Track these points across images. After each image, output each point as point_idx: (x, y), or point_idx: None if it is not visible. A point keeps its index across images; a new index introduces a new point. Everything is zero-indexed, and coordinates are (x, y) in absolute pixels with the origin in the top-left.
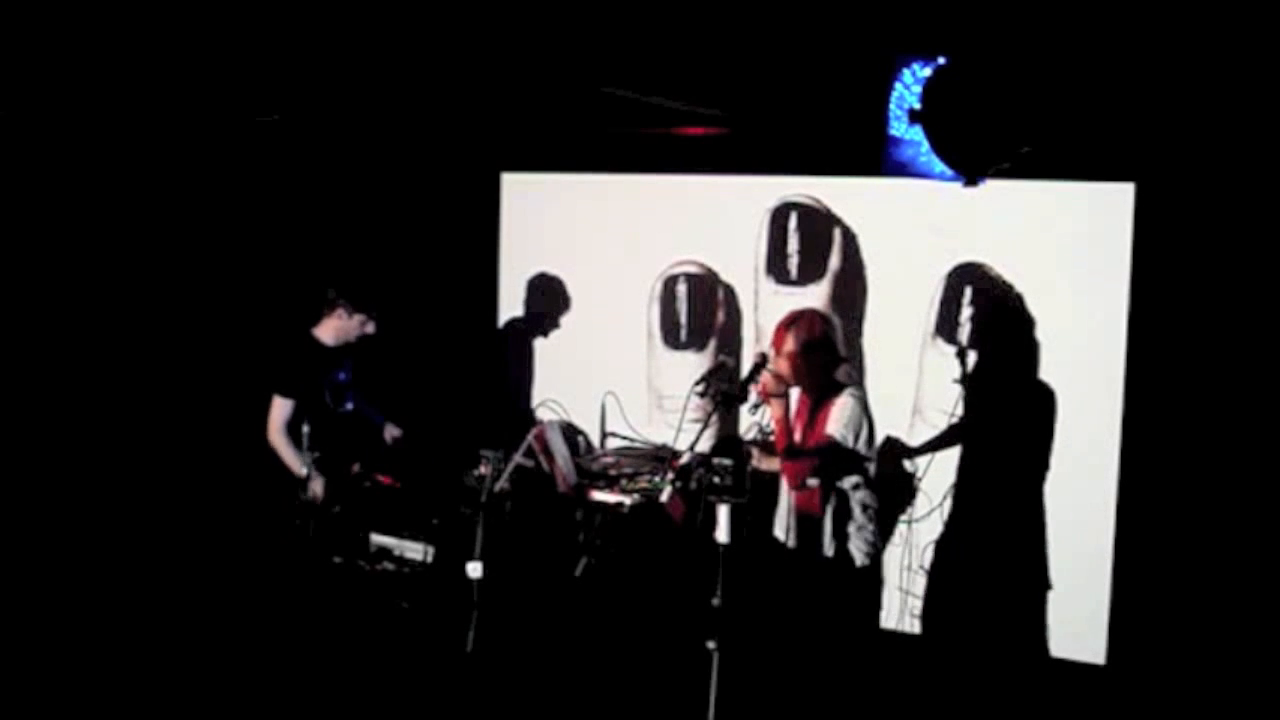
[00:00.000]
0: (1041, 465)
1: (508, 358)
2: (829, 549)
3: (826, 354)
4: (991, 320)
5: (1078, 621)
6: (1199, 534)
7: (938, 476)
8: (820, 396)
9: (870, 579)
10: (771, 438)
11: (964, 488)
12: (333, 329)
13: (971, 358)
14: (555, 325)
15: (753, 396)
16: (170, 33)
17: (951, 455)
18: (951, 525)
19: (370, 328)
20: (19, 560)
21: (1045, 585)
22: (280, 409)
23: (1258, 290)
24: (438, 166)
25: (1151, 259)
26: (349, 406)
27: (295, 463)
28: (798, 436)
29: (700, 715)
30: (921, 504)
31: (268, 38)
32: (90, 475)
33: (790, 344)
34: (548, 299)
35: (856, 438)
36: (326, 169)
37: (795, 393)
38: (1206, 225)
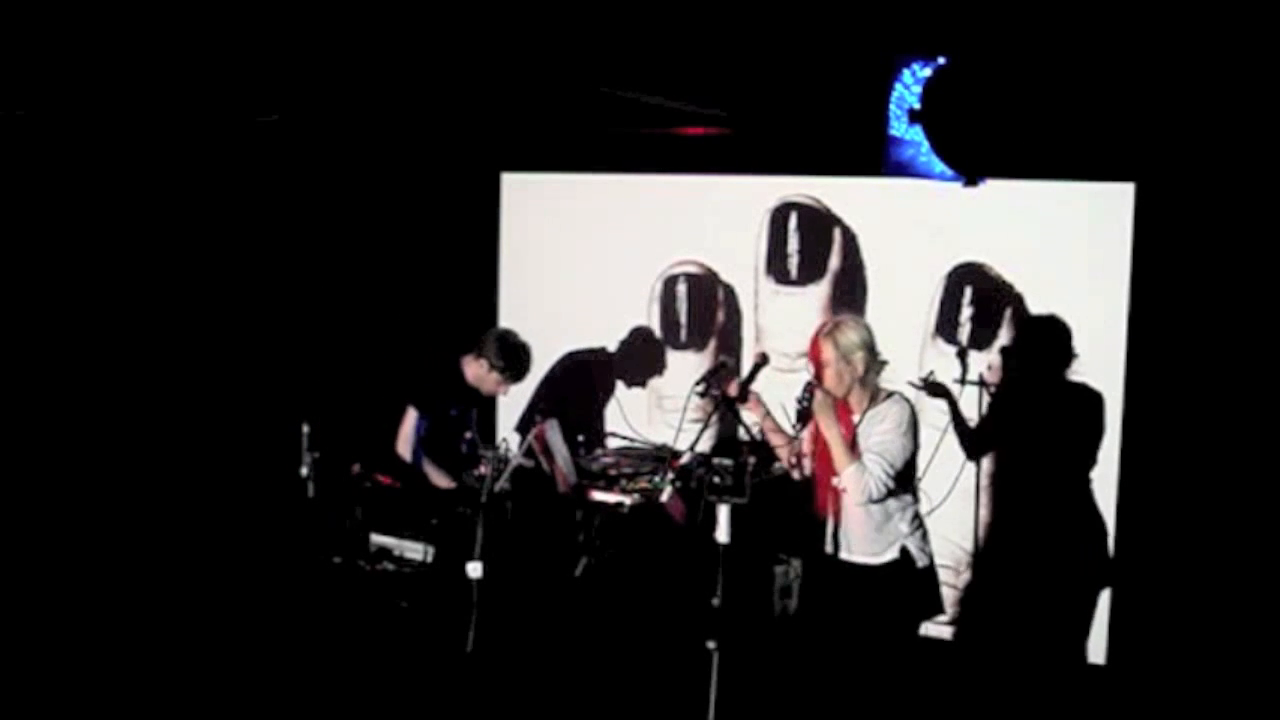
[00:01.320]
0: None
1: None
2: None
3: (870, 357)
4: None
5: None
6: (1199, 534)
7: (938, 476)
8: (868, 404)
9: (929, 582)
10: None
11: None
12: (473, 372)
13: (977, 359)
14: (641, 384)
15: (793, 415)
16: (170, 33)
17: (954, 456)
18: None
19: (504, 391)
20: (19, 560)
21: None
22: (411, 422)
23: (1258, 290)
24: (438, 166)
25: (1151, 259)
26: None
27: (435, 475)
28: (844, 447)
29: (700, 715)
30: (922, 504)
31: (268, 38)
32: (92, 475)
33: (829, 352)
34: (644, 359)
35: (910, 444)
36: (326, 169)
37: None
38: (1206, 225)
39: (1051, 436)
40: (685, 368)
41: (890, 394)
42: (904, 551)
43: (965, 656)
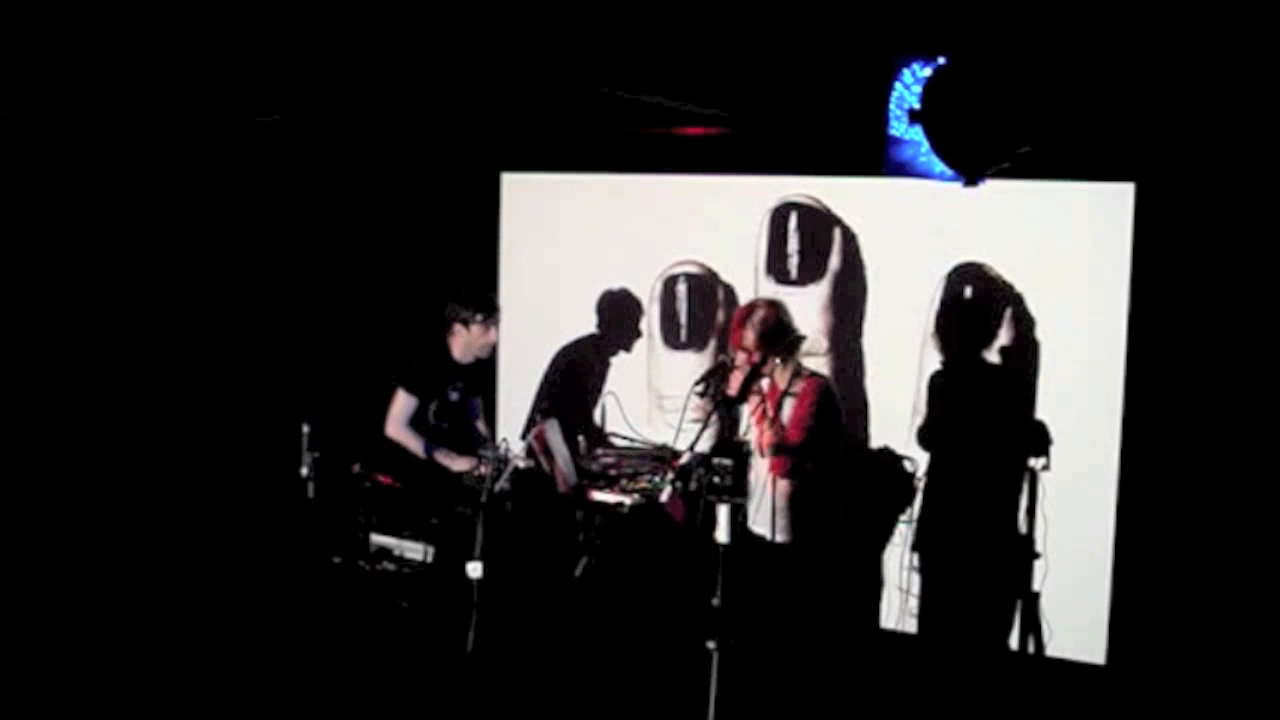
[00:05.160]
0: (1017, 456)
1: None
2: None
3: (784, 337)
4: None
5: (1078, 621)
6: (1199, 534)
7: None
8: (788, 383)
9: (869, 577)
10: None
11: (935, 485)
12: (460, 345)
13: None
14: (637, 334)
15: (725, 394)
16: (170, 33)
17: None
18: (930, 524)
19: (493, 335)
20: (20, 560)
21: (1032, 557)
22: (402, 404)
23: (1258, 290)
24: (438, 166)
25: (1151, 259)
26: (444, 425)
27: (447, 458)
28: (772, 425)
29: (700, 715)
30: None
31: (268, 38)
32: (93, 475)
33: (749, 337)
34: (621, 311)
35: (827, 423)
36: (326, 169)
37: (765, 383)
38: (1206, 225)
39: (976, 423)
40: (685, 368)
41: (810, 374)
42: (806, 536)
43: (964, 656)
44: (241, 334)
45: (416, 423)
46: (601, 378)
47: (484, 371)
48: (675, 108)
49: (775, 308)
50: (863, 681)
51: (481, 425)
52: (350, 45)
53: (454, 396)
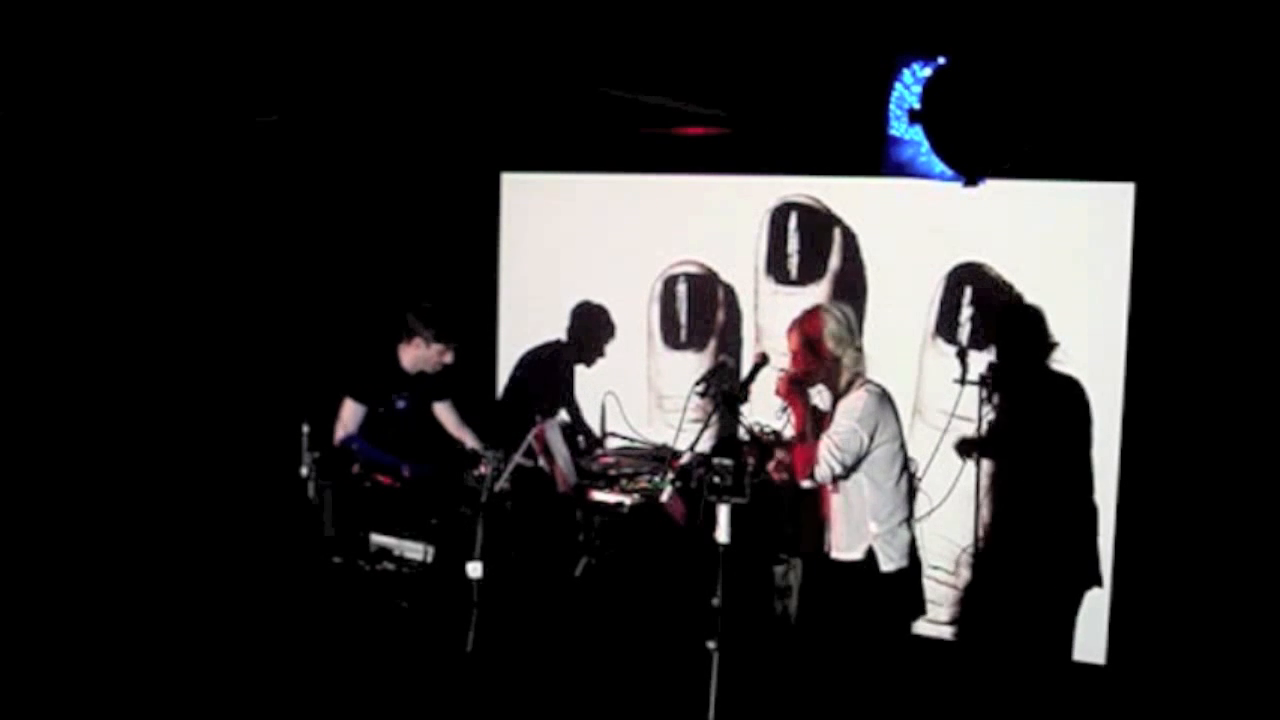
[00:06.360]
0: (1083, 460)
1: (526, 373)
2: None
3: (837, 346)
4: (1003, 321)
5: (1078, 621)
6: (1199, 534)
7: (938, 476)
8: (841, 393)
9: (902, 585)
10: (771, 437)
11: (1001, 491)
12: (411, 356)
13: (977, 359)
14: (600, 354)
15: (778, 401)
16: (170, 33)
17: (954, 456)
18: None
19: (449, 358)
20: (20, 560)
21: (1095, 582)
22: (349, 412)
23: (1258, 290)
24: (438, 166)
25: (1151, 259)
26: (391, 434)
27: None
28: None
29: (700, 715)
30: (922, 504)
31: (268, 38)
32: (93, 475)
33: (798, 342)
34: (591, 326)
35: (872, 435)
36: (326, 169)
37: (825, 392)
38: (1206, 225)
39: (1043, 429)
40: (685, 368)
41: (865, 382)
42: (869, 552)
43: (965, 656)
44: (242, 334)
45: (368, 431)
46: (568, 384)
47: (434, 380)
48: (675, 108)
49: (832, 314)
50: (862, 682)
51: (462, 432)
52: (350, 45)
53: (401, 405)
